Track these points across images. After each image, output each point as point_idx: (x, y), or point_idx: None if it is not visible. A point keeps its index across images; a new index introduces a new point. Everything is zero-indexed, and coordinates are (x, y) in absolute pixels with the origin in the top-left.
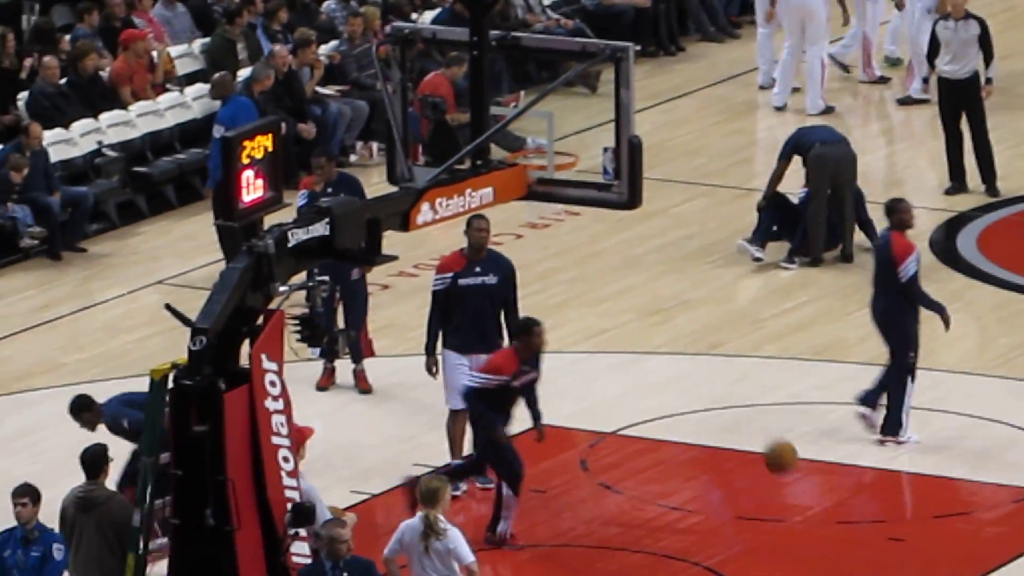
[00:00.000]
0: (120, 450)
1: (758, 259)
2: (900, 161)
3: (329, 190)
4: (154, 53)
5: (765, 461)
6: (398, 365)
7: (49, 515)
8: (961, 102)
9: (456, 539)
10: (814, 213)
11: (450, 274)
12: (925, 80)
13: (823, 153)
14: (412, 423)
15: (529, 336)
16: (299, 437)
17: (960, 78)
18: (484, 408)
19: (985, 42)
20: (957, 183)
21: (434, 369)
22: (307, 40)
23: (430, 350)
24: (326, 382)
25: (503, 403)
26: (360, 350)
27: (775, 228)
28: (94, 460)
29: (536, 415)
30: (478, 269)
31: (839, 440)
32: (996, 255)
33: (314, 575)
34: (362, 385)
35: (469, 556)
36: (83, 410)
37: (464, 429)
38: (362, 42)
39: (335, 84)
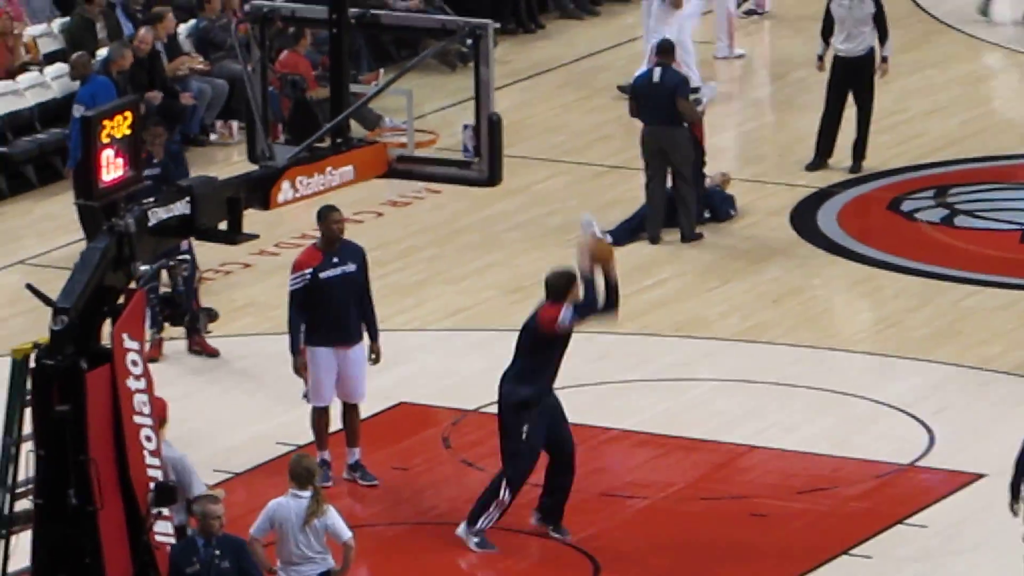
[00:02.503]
0: None
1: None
2: (761, 136)
3: (155, 160)
4: (14, 33)
5: None
6: (259, 344)
7: None
8: (853, 80)
9: (334, 515)
10: (651, 192)
11: (309, 270)
12: (820, 57)
13: (651, 131)
14: (273, 402)
15: None
16: (159, 409)
17: (855, 55)
18: None
19: (880, 20)
20: (820, 159)
21: (304, 370)
22: (159, 16)
23: (296, 350)
24: (155, 353)
25: None
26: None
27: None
28: None
29: None
30: (336, 260)
31: (700, 417)
32: (856, 231)
33: (185, 552)
34: (209, 350)
35: (347, 532)
36: None
37: (328, 424)
38: (221, 19)
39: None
